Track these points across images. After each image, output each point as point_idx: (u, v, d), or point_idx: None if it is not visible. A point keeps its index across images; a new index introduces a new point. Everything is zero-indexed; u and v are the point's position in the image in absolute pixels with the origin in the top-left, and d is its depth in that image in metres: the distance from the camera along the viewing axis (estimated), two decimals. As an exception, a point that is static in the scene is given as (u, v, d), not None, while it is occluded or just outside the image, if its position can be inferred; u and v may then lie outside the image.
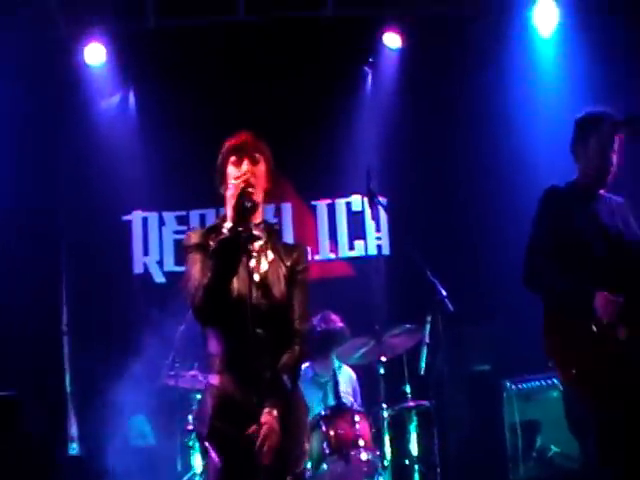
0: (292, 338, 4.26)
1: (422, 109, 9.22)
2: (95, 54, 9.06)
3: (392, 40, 9.34)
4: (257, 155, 4.29)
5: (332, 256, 9.35)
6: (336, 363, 7.42)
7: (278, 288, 4.23)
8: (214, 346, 4.20)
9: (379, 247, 9.14)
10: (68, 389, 8.80)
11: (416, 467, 7.02)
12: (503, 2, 9.22)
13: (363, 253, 9.45)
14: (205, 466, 4.35)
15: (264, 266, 4.26)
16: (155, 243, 9.35)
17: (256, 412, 4.01)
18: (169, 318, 7.63)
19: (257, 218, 4.31)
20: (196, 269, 4.18)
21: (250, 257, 4.17)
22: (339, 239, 9.47)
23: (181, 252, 8.83)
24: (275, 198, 8.87)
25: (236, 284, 4.12)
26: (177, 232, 9.32)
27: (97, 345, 8.36)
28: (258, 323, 4.07)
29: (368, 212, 9.19)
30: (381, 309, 7.40)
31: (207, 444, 4.17)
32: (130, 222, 9.34)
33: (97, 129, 9.17)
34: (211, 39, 9.13)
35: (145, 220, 9.38)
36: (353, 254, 9.46)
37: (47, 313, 8.76)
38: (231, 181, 4.23)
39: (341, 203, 9.52)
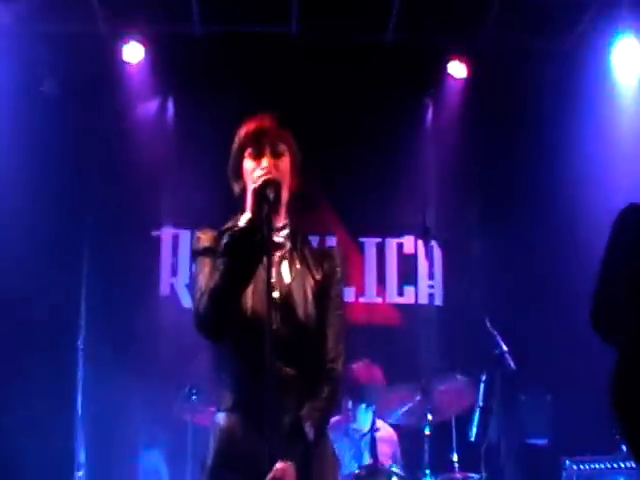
0: (323, 378, 3.51)
1: (486, 146, 8.72)
2: (134, 53, 8.69)
3: (457, 69, 8.86)
4: (280, 146, 3.58)
5: (379, 300, 8.88)
6: (372, 420, 6.76)
7: (304, 309, 3.48)
8: (225, 377, 3.50)
9: (431, 296, 8.67)
10: (79, 412, 8.21)
11: None
12: (582, 36, 8.67)
13: (413, 301, 8.95)
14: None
15: (287, 280, 3.53)
16: (185, 264, 8.81)
17: (267, 465, 3.25)
18: (193, 345, 7.13)
19: (280, 221, 3.61)
20: (204, 274, 3.48)
21: (269, 268, 3.33)
22: (388, 282, 9.00)
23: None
24: (320, 229, 8.46)
25: (251, 302, 3.41)
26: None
27: (113, 367, 7.84)
28: (278, 353, 3.30)
29: (421, 256, 8.73)
30: (429, 363, 6.93)
31: None
32: (159, 238, 8.86)
33: (132, 135, 8.73)
34: (260, 51, 8.67)
35: (176, 238, 8.89)
36: (402, 301, 8.97)
37: (64, 327, 8.14)
38: (250, 178, 3.50)
39: (392, 243, 9.05)
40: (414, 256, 8.99)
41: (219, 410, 3.51)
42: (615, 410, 4.15)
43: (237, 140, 3.62)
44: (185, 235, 8.86)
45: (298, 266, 3.58)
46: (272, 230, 3.43)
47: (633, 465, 7.00)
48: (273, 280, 3.42)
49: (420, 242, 8.39)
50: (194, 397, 6.87)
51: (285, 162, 3.58)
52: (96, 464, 8.02)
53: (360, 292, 8.81)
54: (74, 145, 8.42)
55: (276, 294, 3.45)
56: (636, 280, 4.20)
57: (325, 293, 3.57)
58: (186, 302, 8.71)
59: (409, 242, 9.01)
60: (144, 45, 8.67)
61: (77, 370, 8.25)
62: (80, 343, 8.29)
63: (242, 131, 3.62)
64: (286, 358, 3.38)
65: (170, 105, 9.00)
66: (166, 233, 8.89)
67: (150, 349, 8.14)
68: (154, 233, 8.86)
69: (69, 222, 8.29)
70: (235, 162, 3.61)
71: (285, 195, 3.57)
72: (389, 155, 8.73)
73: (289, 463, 3.30)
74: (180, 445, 7.33)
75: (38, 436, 7.60)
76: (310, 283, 3.55)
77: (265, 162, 3.51)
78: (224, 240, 3.34)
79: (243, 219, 3.36)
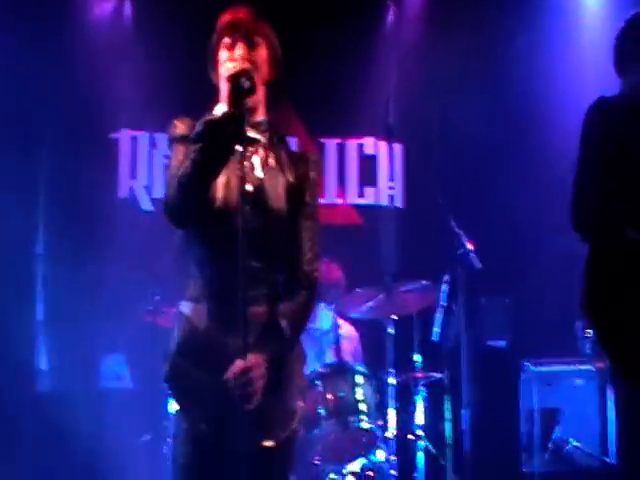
0: (301, 282, 3.49)
1: (448, 49, 8.45)
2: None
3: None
4: (256, 38, 3.51)
5: (339, 201, 8.83)
6: (333, 319, 6.94)
7: (275, 203, 3.45)
8: (192, 267, 3.46)
9: (391, 197, 8.50)
10: (39, 317, 8.17)
11: (421, 444, 6.52)
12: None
13: (373, 202, 8.91)
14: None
15: (259, 174, 3.47)
16: (144, 166, 8.68)
17: (233, 356, 3.23)
18: (154, 247, 7.04)
19: (257, 116, 3.55)
20: (177, 160, 3.42)
21: (243, 161, 3.30)
22: (348, 184, 8.95)
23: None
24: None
25: (222, 193, 3.37)
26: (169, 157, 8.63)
27: (73, 272, 7.69)
28: (248, 243, 3.22)
29: (382, 157, 8.68)
30: (392, 262, 6.85)
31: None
32: (117, 140, 8.66)
33: (88, 36, 8.46)
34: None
35: (134, 140, 8.70)
36: (362, 201, 8.94)
37: (22, 233, 8.04)
38: (224, 67, 3.47)
39: (352, 144, 8.97)
40: (374, 157, 8.95)
41: (184, 299, 3.46)
42: (586, 311, 4.15)
43: (215, 30, 3.55)
44: (144, 137, 8.72)
45: (273, 164, 3.52)
46: (247, 124, 3.36)
47: (591, 367, 7.15)
48: (246, 171, 3.35)
49: (381, 143, 8.48)
50: (157, 297, 6.77)
51: (260, 54, 3.52)
52: (57, 369, 8.05)
53: (321, 194, 8.64)
54: (27, 49, 7.99)
55: (249, 187, 3.38)
56: (615, 175, 4.09)
57: (299, 198, 3.53)
58: (145, 205, 8.64)
59: (369, 143, 8.95)
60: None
61: (36, 276, 8.23)
62: (39, 248, 8.26)
63: (218, 22, 3.55)
64: (254, 250, 3.33)
65: (127, 5, 8.78)
66: (124, 135, 8.70)
67: (110, 252, 7.90)
68: (112, 135, 8.66)
69: (26, 128, 8.10)
70: (211, 53, 3.55)
71: (262, 89, 3.51)
72: (350, 56, 8.57)
73: (261, 355, 3.27)
74: (143, 348, 7.22)
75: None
76: (282, 182, 3.50)
77: (238, 52, 3.45)
78: (197, 128, 3.29)
79: (218, 109, 3.31)
